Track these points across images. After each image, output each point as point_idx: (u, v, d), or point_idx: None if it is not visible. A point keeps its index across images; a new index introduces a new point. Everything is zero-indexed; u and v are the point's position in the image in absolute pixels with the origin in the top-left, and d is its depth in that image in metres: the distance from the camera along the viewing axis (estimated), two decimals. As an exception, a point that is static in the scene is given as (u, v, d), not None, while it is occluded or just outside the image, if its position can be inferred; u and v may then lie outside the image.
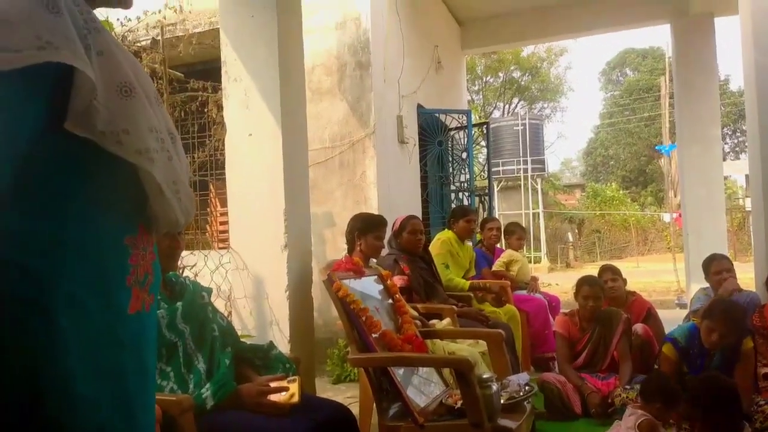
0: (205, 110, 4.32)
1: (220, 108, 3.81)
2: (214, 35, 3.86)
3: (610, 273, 4.20)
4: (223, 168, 3.56)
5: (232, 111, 3.41)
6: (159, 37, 3.81)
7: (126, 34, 4.03)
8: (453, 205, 6.63)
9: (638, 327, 3.86)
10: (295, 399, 1.82)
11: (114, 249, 0.89)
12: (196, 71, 4.92)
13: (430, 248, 4.34)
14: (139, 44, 4.09)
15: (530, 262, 16.63)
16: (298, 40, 3.52)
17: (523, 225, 11.05)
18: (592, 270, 5.84)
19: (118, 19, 3.84)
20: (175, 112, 4.11)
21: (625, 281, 4.27)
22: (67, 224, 0.83)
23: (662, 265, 15.85)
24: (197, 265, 3.92)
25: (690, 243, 6.85)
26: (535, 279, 5.29)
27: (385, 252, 3.66)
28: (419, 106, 6.18)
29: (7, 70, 0.73)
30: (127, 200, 0.91)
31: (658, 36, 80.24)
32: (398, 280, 3.38)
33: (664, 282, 12.05)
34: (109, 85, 0.83)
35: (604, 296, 3.84)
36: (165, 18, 4.17)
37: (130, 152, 0.84)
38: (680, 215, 8.97)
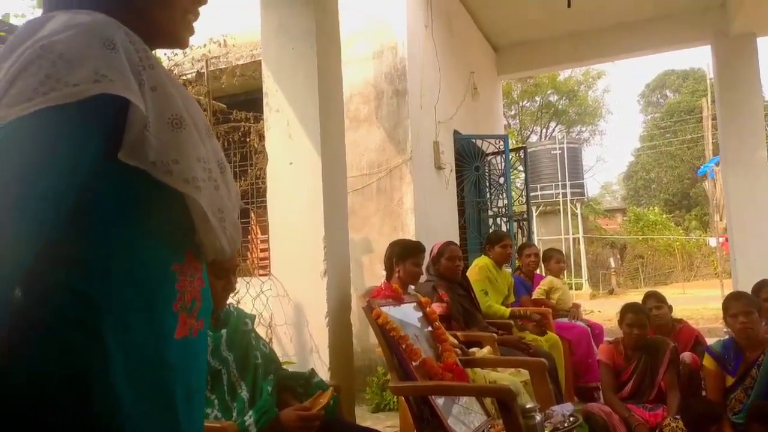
0: (247, 140, 4.43)
1: (261, 137, 3.90)
2: (256, 67, 3.97)
3: (655, 300, 4.09)
4: (264, 196, 3.63)
5: (273, 140, 3.49)
6: (204, 70, 3.95)
7: (173, 67, 4.18)
8: (491, 231, 6.59)
9: (686, 356, 3.73)
10: (325, 399, 1.86)
11: (161, 275, 0.92)
12: (238, 102, 5.06)
13: (468, 274, 4.31)
14: (184, 77, 4.24)
15: (571, 288, 16.30)
16: (337, 71, 3.60)
17: (563, 250, 10.90)
18: (636, 297, 5.70)
19: (165, 54, 3.99)
20: (219, 142, 4.22)
21: (670, 308, 4.15)
22: (117, 250, 0.87)
23: (709, 291, 15.33)
24: (239, 293, 3.98)
25: (738, 268, 6.62)
26: (576, 306, 5.19)
27: (423, 279, 3.65)
28: (456, 132, 6.20)
29: (68, 102, 0.77)
30: (175, 228, 0.93)
31: (699, 56, 78.89)
32: (437, 308, 3.36)
33: (712, 309, 11.63)
34: (161, 117, 0.87)
35: (649, 324, 3.74)
36: (210, 51, 4.32)
37: (179, 181, 0.88)
38: (727, 239, 8.70)
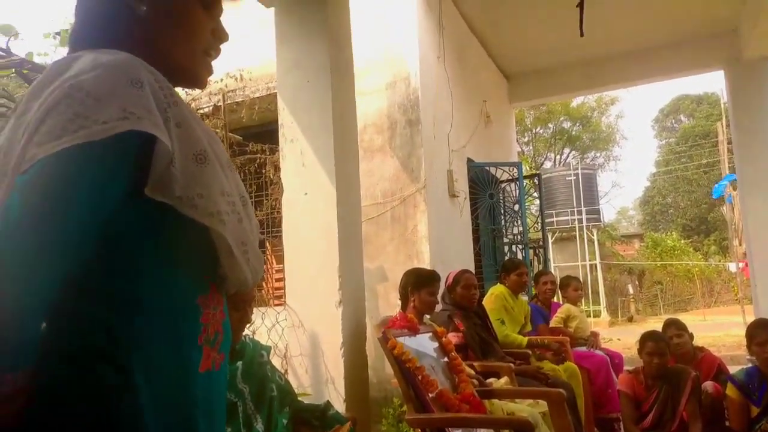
0: (263, 171, 4.49)
1: (277, 169, 3.95)
2: (272, 99, 4.04)
3: (675, 328, 4.03)
4: (280, 226, 3.65)
5: (288, 171, 3.53)
6: (220, 104, 4.02)
7: (190, 102, 4.27)
8: (507, 258, 6.55)
9: (708, 385, 3.66)
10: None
11: (187, 308, 0.93)
12: (254, 134, 5.13)
13: (484, 303, 4.28)
14: (201, 111, 4.32)
15: (589, 316, 16.10)
16: (351, 102, 3.65)
17: (580, 277, 10.78)
18: (656, 324, 5.60)
19: (183, 90, 4.06)
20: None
21: (691, 336, 4.08)
22: (145, 284, 0.88)
23: (731, 317, 15.05)
24: (254, 323, 3.98)
25: (759, 293, 6.50)
26: (595, 334, 5.11)
27: (438, 308, 3.63)
28: (469, 160, 6.23)
29: (96, 139, 0.79)
30: (200, 261, 0.95)
31: (712, 81, 78.80)
32: (453, 337, 3.34)
33: (734, 336, 11.40)
34: (186, 153, 0.89)
35: (670, 352, 3.68)
36: (226, 86, 4.41)
37: (204, 215, 0.89)
38: (747, 264, 8.57)
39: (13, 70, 4.08)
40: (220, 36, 1.09)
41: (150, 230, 0.89)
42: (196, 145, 0.91)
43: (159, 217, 0.88)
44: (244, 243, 0.96)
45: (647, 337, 3.66)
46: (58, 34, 4.51)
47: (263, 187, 4.86)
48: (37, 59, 4.44)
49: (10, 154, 0.83)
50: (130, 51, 0.92)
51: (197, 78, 1.08)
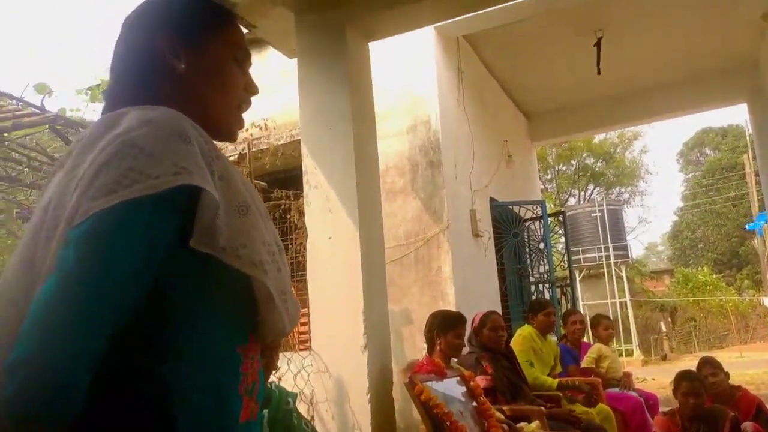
0: (288, 216, 4.54)
1: (301, 213, 4.00)
2: (295, 146, 4.12)
3: (710, 367, 3.91)
4: (304, 270, 3.67)
5: (313, 216, 3.57)
6: (246, 152, 4.11)
7: (216, 151, 4.37)
8: (533, 298, 6.47)
9: (748, 426, 3.52)
10: None
11: (228, 357, 0.94)
12: (278, 179, 5.22)
13: (511, 344, 4.22)
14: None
15: (621, 355, 15.69)
16: (372, 147, 3.70)
17: (610, 315, 10.54)
18: (691, 362, 5.45)
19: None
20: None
21: (727, 375, 3.95)
22: (188, 332, 0.89)
23: (769, 354, 14.54)
24: (280, 369, 3.97)
25: (798, 330, 6.29)
26: (628, 375, 4.98)
27: (465, 350, 3.59)
28: (492, 200, 6.23)
29: (149, 194, 0.81)
30: (240, 310, 0.96)
31: (736, 113, 78.16)
32: (481, 381, 3.29)
33: (774, 373, 11.01)
34: (229, 205, 0.91)
35: (706, 392, 3.56)
36: (251, 135, 4.51)
37: (247, 265, 0.90)
38: (784, 300, 8.32)
39: (47, 125, 4.25)
40: (252, 90, 1.12)
41: (194, 280, 0.90)
42: (238, 197, 0.94)
43: (202, 267, 0.89)
44: (283, 292, 0.98)
45: (682, 377, 3.56)
46: (89, 90, 4.69)
47: (288, 231, 4.91)
48: (69, 114, 4.62)
49: (61, 207, 0.85)
50: (169, 107, 0.95)
51: (231, 132, 1.11)
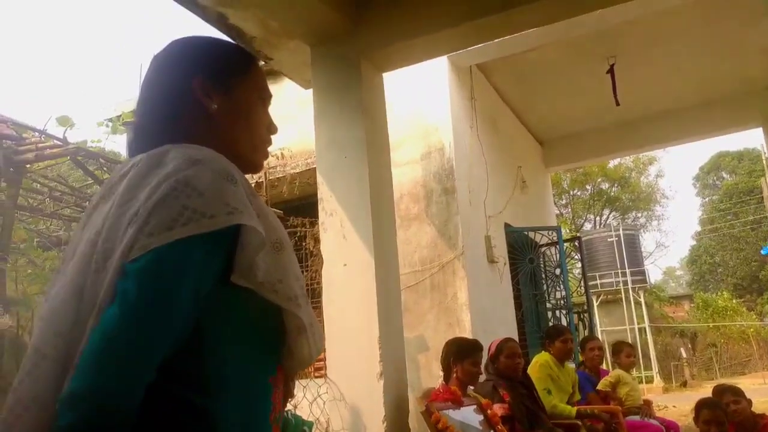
0: (303, 244, 4.58)
1: (316, 241, 4.03)
2: (311, 174, 4.17)
3: (731, 394, 3.83)
4: (319, 297, 3.69)
5: (328, 243, 3.59)
6: (262, 180, 4.17)
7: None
8: (550, 324, 6.40)
9: (774, 456, 3.45)
10: None
11: (263, 389, 0.98)
12: (294, 207, 5.28)
13: (528, 372, 4.18)
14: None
15: (641, 382, 15.38)
16: (387, 175, 3.74)
17: (629, 341, 10.37)
18: (713, 389, 5.31)
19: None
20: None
21: (750, 402, 3.87)
22: (229, 365, 0.92)
23: (794, 381, 14.18)
24: (296, 396, 3.96)
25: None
26: (648, 402, 4.89)
27: (482, 378, 3.56)
28: (507, 225, 6.23)
29: (204, 232, 0.86)
30: (271, 342, 1.00)
31: (752, 137, 77.50)
32: (499, 409, 3.26)
33: (800, 401, 10.72)
34: (267, 242, 0.96)
35: (728, 420, 3.49)
36: (268, 164, 4.58)
37: (283, 299, 0.95)
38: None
39: (68, 157, 4.35)
40: (272, 130, 1.20)
41: (234, 314, 0.94)
42: (275, 234, 0.99)
43: (241, 302, 0.93)
44: (312, 324, 1.02)
45: (703, 405, 3.51)
46: (110, 121, 4.80)
47: (303, 259, 4.94)
48: (89, 145, 4.73)
49: (111, 241, 0.90)
50: (202, 144, 1.01)
51: (257, 166, 1.17)
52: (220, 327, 0.92)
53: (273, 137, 1.21)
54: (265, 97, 1.18)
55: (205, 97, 1.08)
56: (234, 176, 0.94)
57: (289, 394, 1.97)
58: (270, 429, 0.98)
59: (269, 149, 1.20)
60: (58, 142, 4.43)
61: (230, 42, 1.19)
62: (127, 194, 0.93)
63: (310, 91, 3.82)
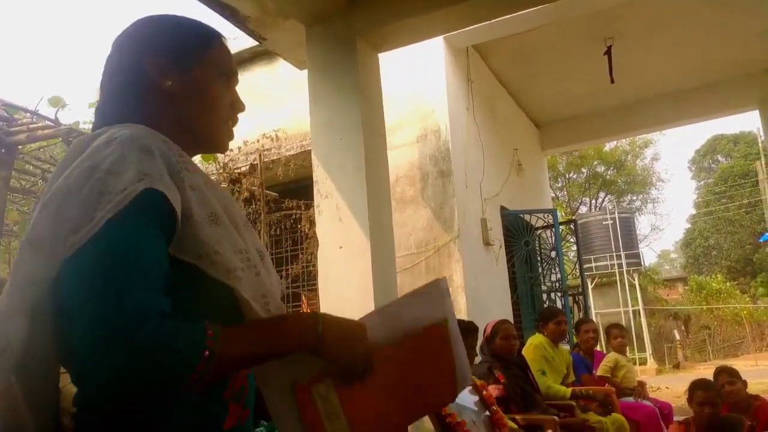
0: (299, 226, 4.56)
1: (312, 223, 4.02)
2: (306, 156, 4.14)
3: (727, 375, 3.86)
4: (315, 279, 3.69)
5: (324, 225, 3.59)
6: (257, 162, 4.14)
7: (228, 162, 4.41)
8: (545, 307, 6.43)
9: (766, 436, 3.48)
10: None
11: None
12: (289, 189, 5.26)
13: (523, 353, 4.20)
14: (238, 170, 4.46)
15: (635, 364, 15.52)
16: (383, 157, 3.72)
17: (623, 323, 10.46)
18: (706, 370, 5.38)
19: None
20: (271, 230, 4.36)
21: (744, 384, 3.91)
22: None
23: (786, 362, 14.35)
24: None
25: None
26: (642, 384, 4.94)
27: (477, 360, 3.58)
28: (503, 208, 6.22)
29: (124, 207, 0.85)
30: (224, 320, 0.95)
31: (748, 120, 77.58)
32: (494, 390, 3.28)
33: (791, 383, 10.85)
34: (201, 214, 0.95)
35: (721, 401, 3.53)
36: (263, 146, 4.55)
37: (221, 271, 0.93)
38: (800, 308, 8.23)
39: (60, 138, 4.31)
40: (238, 107, 1.18)
41: (183, 289, 0.92)
42: (209, 207, 0.97)
43: (188, 276, 0.92)
44: (264, 295, 1.00)
45: (696, 386, 3.53)
46: (103, 102, 4.73)
47: (299, 241, 4.93)
48: (82, 126, 4.68)
49: (45, 236, 0.88)
50: (157, 124, 1.01)
51: (220, 144, 1.17)
52: (172, 301, 0.90)
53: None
54: (229, 75, 1.15)
55: (160, 75, 1.06)
56: (150, 148, 0.92)
57: None
58: (225, 408, 0.96)
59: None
60: (50, 123, 4.38)
61: (191, 19, 1.16)
62: (51, 182, 0.94)
63: (305, 72, 3.79)
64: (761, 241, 17.16)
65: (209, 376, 0.82)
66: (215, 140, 1.14)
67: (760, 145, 18.47)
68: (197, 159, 1.34)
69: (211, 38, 1.15)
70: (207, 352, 0.81)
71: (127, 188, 0.86)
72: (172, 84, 1.07)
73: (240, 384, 0.99)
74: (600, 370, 4.80)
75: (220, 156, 4.22)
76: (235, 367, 0.92)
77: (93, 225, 0.83)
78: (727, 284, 24.97)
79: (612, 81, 5.84)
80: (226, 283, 0.94)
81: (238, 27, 3.73)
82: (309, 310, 5.19)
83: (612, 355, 4.97)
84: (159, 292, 0.85)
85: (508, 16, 4.20)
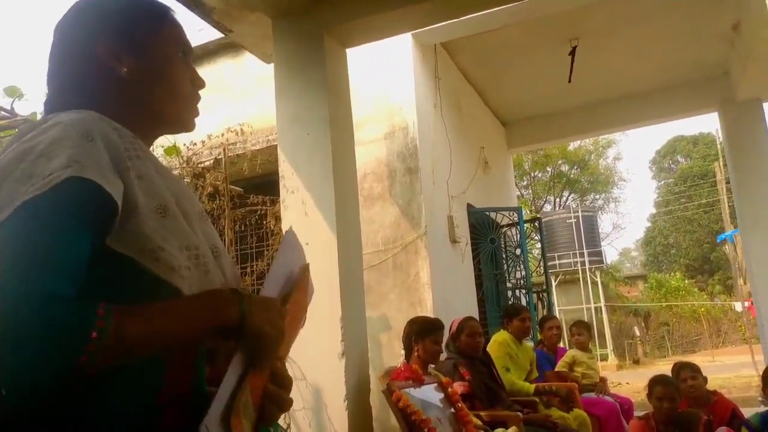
0: (264, 222, 4.50)
1: (277, 219, 3.96)
2: (272, 151, 4.09)
3: (690, 371, 3.94)
4: (281, 277, 3.63)
5: (289, 221, 3.54)
6: (221, 156, 4.07)
7: (192, 156, 4.32)
8: (509, 304, 6.50)
9: (722, 430, 3.57)
10: None
11: (146, 367, 0.88)
12: (255, 184, 5.18)
13: (488, 350, 4.23)
14: (202, 164, 4.37)
15: (597, 360, 15.80)
16: (350, 153, 3.70)
17: (585, 320, 10.64)
18: (665, 366, 5.50)
19: (185, 144, 4.13)
20: (236, 226, 4.29)
21: (705, 379, 3.99)
22: None
23: (739, 358, 14.84)
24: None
25: (766, 333, 6.42)
26: (603, 380, 5.03)
27: (443, 356, 3.59)
28: (469, 206, 6.26)
29: (43, 192, 0.79)
30: None
31: (706, 122, 79.84)
32: (459, 387, 3.28)
33: (744, 377, 11.22)
34: (149, 206, 0.89)
35: (680, 396, 3.61)
36: (227, 140, 4.47)
37: (164, 268, 0.87)
38: (753, 303, 8.49)
39: (17, 129, 4.16)
40: (198, 84, 1.12)
41: (117, 281, 0.86)
42: (157, 199, 0.92)
43: (128, 269, 0.86)
44: None
45: (656, 382, 3.60)
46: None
47: (264, 237, 4.86)
48: (39, 117, 4.53)
49: None
50: (114, 111, 0.95)
51: (185, 123, 1.11)
52: (102, 297, 0.82)
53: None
54: (186, 51, 1.10)
55: (114, 60, 1.01)
56: (90, 134, 0.87)
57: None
58: (156, 409, 0.88)
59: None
60: (6, 114, 4.23)
61: None
62: None
63: (271, 65, 3.73)
64: (719, 240, 17.68)
65: (102, 358, 0.75)
66: (181, 120, 1.10)
67: (718, 146, 19.01)
68: (159, 154, 1.29)
69: (164, 15, 1.09)
70: (94, 333, 0.74)
71: (52, 174, 0.80)
72: (128, 70, 1.01)
73: (177, 390, 0.91)
74: (558, 367, 4.87)
75: (183, 150, 4.13)
76: (140, 348, 0.81)
77: (10, 206, 0.79)
78: (686, 282, 25.65)
79: (569, 80, 5.93)
80: (168, 281, 0.88)
81: (202, 18, 3.65)
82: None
83: (570, 352, 5.05)
84: (60, 278, 0.77)
85: (474, 15, 4.20)
